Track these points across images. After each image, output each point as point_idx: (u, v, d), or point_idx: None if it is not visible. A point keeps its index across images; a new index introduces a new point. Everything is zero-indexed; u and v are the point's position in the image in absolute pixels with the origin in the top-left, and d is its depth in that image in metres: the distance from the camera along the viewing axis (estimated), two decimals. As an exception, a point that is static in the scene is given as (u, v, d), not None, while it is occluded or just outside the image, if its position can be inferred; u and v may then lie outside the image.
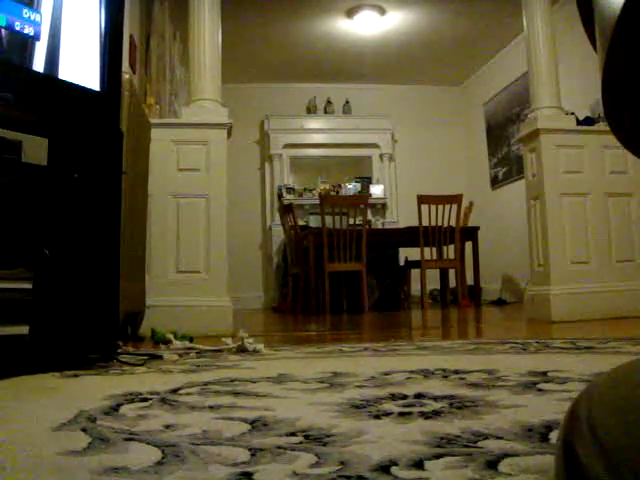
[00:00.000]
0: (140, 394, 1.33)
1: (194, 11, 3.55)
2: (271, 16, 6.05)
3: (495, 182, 7.53)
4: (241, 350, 2.21)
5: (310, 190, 7.77)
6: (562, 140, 3.83)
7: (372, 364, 1.82)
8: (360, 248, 5.53)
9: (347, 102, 8.10)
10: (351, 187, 7.74)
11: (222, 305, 3.30)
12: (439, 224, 5.64)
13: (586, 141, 3.87)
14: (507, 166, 7.19)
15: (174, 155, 3.40)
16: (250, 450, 0.83)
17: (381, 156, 8.07)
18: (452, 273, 6.05)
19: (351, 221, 5.89)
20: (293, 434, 0.93)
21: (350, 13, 6.11)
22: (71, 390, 1.47)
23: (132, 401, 1.25)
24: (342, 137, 7.94)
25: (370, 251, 5.69)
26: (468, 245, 6.04)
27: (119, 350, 2.12)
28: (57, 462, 0.80)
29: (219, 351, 2.24)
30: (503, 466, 0.72)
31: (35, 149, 1.73)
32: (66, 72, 1.87)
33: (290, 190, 7.74)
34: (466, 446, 0.83)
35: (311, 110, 8.06)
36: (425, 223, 5.61)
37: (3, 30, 1.68)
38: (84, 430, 0.98)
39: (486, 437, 0.87)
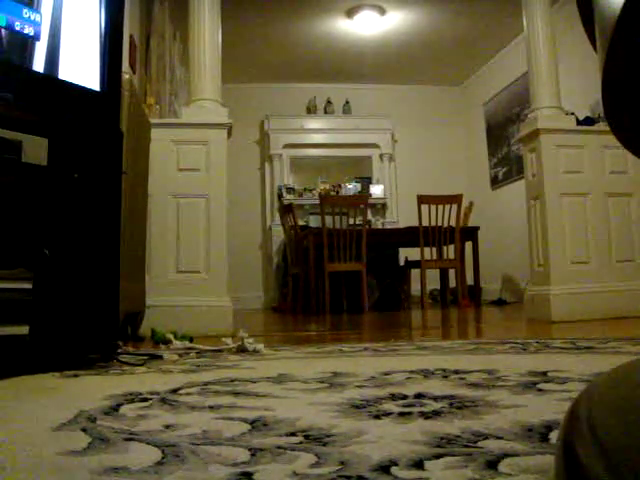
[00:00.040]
0: (140, 394, 1.33)
1: (194, 11, 3.55)
2: (271, 16, 6.05)
3: (495, 182, 7.53)
4: (241, 350, 2.21)
5: (310, 190, 7.77)
6: (562, 140, 3.83)
7: (372, 364, 1.82)
8: (360, 248, 5.53)
9: (347, 102, 8.10)
10: (351, 187, 7.74)
11: (222, 305, 3.30)
12: (439, 224, 5.64)
13: (586, 141, 3.87)
14: (507, 166, 7.19)
15: (174, 155, 3.40)
16: (250, 450, 0.83)
17: (381, 156, 8.07)
18: (452, 273, 6.05)
19: (351, 221, 5.89)
20: (293, 434, 0.93)
21: (350, 13, 6.11)
22: (71, 390, 1.47)
23: (132, 401, 1.25)
24: (342, 137, 7.94)
25: (370, 251, 5.69)
26: (468, 245, 6.04)
27: (119, 350, 2.12)
28: (57, 462, 0.80)
29: (219, 351, 2.24)
30: (503, 466, 0.72)
31: (35, 149, 1.73)
32: (66, 72, 1.87)
33: (290, 190, 7.74)
34: (466, 446, 0.83)
35: (311, 110, 8.06)
36: (425, 223, 5.61)
37: (3, 30, 1.68)
38: (84, 430, 0.98)
39: (486, 437, 0.87)
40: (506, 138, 7.19)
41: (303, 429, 0.96)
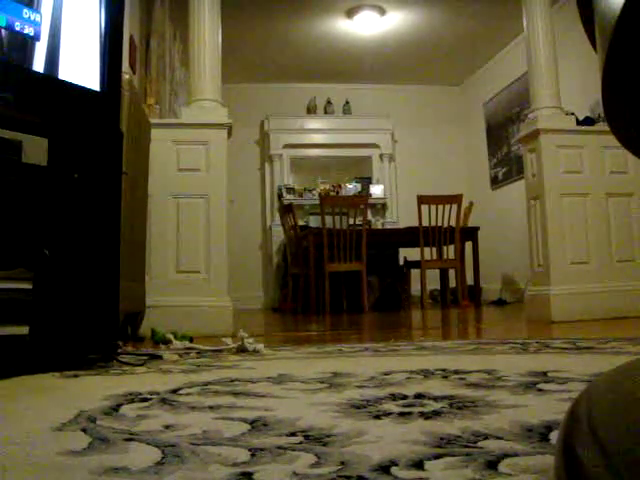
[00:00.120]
0: (140, 394, 1.33)
1: (194, 11, 3.55)
2: (271, 16, 6.05)
3: (495, 182, 7.53)
4: (241, 350, 2.21)
5: (310, 190, 7.77)
6: (562, 140, 3.83)
7: (372, 364, 1.82)
8: (360, 248, 5.53)
9: (347, 102, 8.09)
10: (351, 187, 7.75)
11: (222, 305, 3.30)
12: (439, 224, 5.64)
13: (586, 141, 3.87)
14: (507, 166, 7.19)
15: (174, 155, 3.40)
16: (250, 450, 0.83)
17: (381, 156, 8.07)
18: (452, 273, 6.05)
19: (351, 221, 5.89)
20: (293, 434, 0.93)
21: (350, 13, 6.11)
22: (71, 390, 1.47)
23: (132, 401, 1.25)
24: (342, 137, 7.94)
25: (370, 251, 5.69)
26: (468, 245, 6.04)
27: (119, 350, 2.12)
28: (57, 462, 0.80)
29: (219, 351, 2.24)
30: (503, 466, 0.72)
31: (35, 149, 1.73)
32: (66, 72, 1.87)
33: (290, 190, 7.74)
34: (466, 446, 0.83)
35: (311, 110, 8.06)
36: (425, 223, 5.61)
37: (3, 30, 1.68)
38: (84, 430, 0.98)
39: (486, 437, 0.87)
40: (506, 138, 7.19)
41: (303, 429, 0.96)
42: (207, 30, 3.53)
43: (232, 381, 1.51)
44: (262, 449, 0.83)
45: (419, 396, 1.22)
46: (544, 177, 3.78)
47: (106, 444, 0.88)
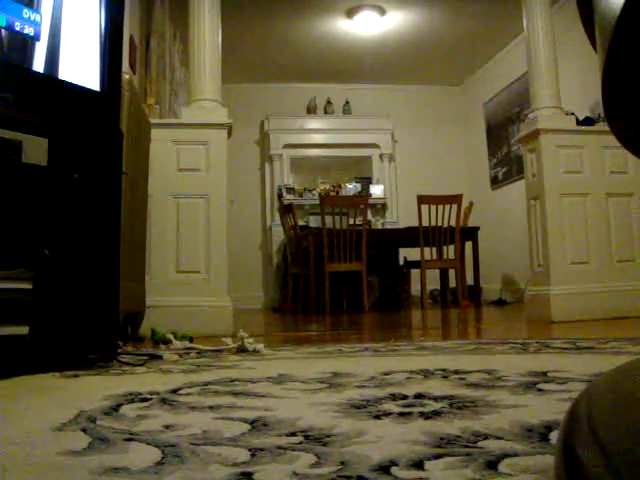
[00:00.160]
0: (140, 394, 1.33)
1: (194, 11, 3.55)
2: (271, 16, 6.05)
3: (495, 182, 7.53)
4: (241, 350, 2.21)
5: (310, 190, 7.77)
6: (562, 140, 3.83)
7: (372, 364, 1.82)
8: (360, 248, 5.53)
9: (347, 102, 8.09)
10: (351, 187, 7.75)
11: (222, 305, 3.30)
12: (439, 224, 5.64)
13: (586, 141, 3.87)
14: (507, 166, 7.19)
15: (174, 155, 3.40)
16: (250, 450, 0.83)
17: (381, 156, 8.07)
18: (452, 273, 6.05)
19: (351, 221, 5.89)
20: (293, 434, 0.93)
21: (350, 13, 6.11)
22: (71, 390, 1.47)
23: (132, 401, 1.25)
24: (342, 137, 7.94)
25: (370, 251, 5.69)
26: (468, 245, 6.04)
27: (119, 350, 2.12)
28: (57, 462, 0.80)
29: (219, 351, 2.24)
30: (503, 466, 0.72)
31: (35, 149, 1.73)
32: (66, 72, 1.87)
33: (290, 190, 7.74)
34: (466, 446, 0.83)
35: (311, 110, 8.06)
36: (425, 223, 5.61)
37: (3, 30, 1.68)
38: (84, 430, 0.98)
39: (486, 437, 0.87)
40: (506, 138, 7.19)
41: (303, 429, 0.96)
42: (207, 30, 3.53)
43: (232, 381, 1.51)
44: (262, 449, 0.83)
45: (419, 396, 1.22)
46: (544, 177, 3.78)
47: (106, 444, 0.88)
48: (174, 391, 1.38)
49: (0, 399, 1.33)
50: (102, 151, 1.95)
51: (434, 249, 5.86)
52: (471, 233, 6.02)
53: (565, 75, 4.39)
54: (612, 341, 2.24)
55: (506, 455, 0.77)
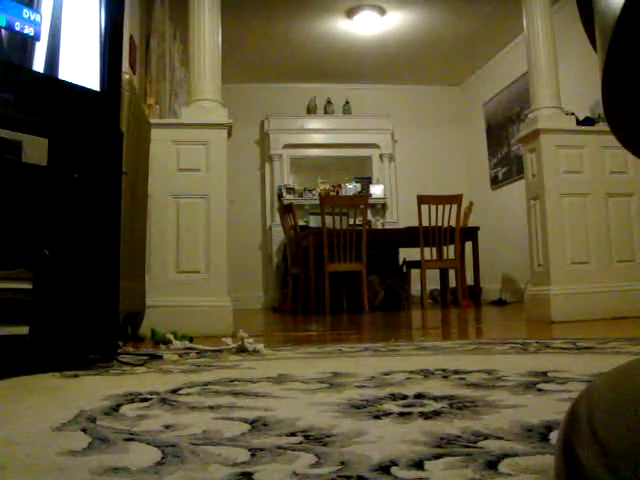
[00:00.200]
0: (140, 394, 1.33)
1: (194, 11, 3.55)
2: (271, 16, 6.05)
3: (495, 182, 7.53)
4: (241, 350, 2.21)
5: (310, 190, 7.77)
6: (562, 140, 3.83)
7: (372, 364, 1.82)
8: (360, 248, 5.53)
9: (347, 102, 8.09)
10: (351, 187, 7.74)
11: (222, 305, 3.30)
12: (439, 224, 5.64)
13: (586, 141, 3.87)
14: (507, 166, 7.19)
15: (174, 155, 3.40)
16: (250, 450, 0.83)
17: (381, 156, 8.06)
18: (452, 273, 6.05)
19: (351, 221, 5.89)
20: (293, 434, 0.93)
21: (350, 13, 6.11)
22: (71, 390, 1.47)
23: (132, 401, 1.25)
24: (342, 137, 7.94)
25: (370, 251, 5.69)
26: (468, 245, 6.04)
27: (119, 350, 2.12)
28: (57, 462, 0.80)
29: (219, 351, 2.24)
30: (503, 466, 0.72)
31: (35, 149, 1.73)
32: (66, 72, 1.87)
33: (290, 190, 7.74)
34: (466, 446, 0.83)
35: (311, 110, 8.05)
36: (425, 223, 5.61)
37: (3, 30, 1.68)
38: (84, 430, 0.98)
39: (486, 437, 0.87)
40: (506, 138, 7.19)
41: (303, 429, 0.96)
42: (207, 30, 3.54)
43: (232, 381, 1.51)
44: (262, 449, 0.83)
45: (419, 396, 1.22)
46: (544, 177, 3.78)
47: (106, 444, 0.88)
48: (174, 391, 1.38)
49: (0, 399, 1.33)
50: (102, 151, 1.95)
51: (434, 249, 5.86)
52: (471, 233, 6.02)
53: (565, 75, 4.39)
54: (612, 341, 2.24)
55: (506, 455, 0.77)
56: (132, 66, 4.17)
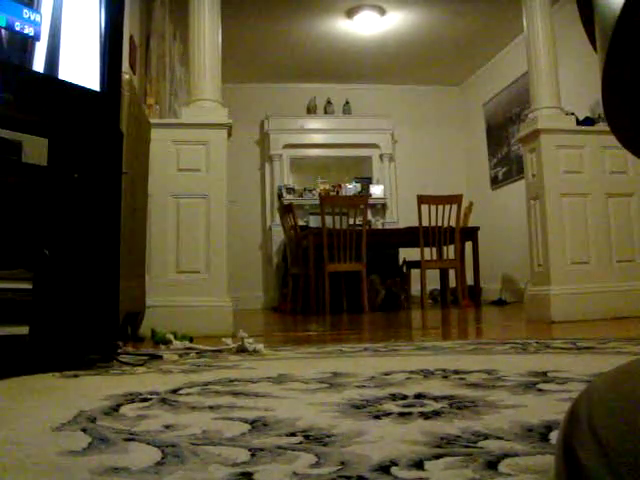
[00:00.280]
0: (140, 394, 1.33)
1: (194, 11, 3.55)
2: (271, 16, 6.05)
3: (495, 182, 7.53)
4: (241, 350, 2.21)
5: (310, 190, 7.77)
6: (562, 140, 3.83)
7: (372, 364, 1.82)
8: (360, 248, 5.53)
9: (347, 102, 8.09)
10: (351, 187, 7.74)
11: (222, 305, 3.30)
12: (439, 224, 5.64)
13: (586, 141, 3.87)
14: (507, 166, 7.19)
15: (174, 155, 3.40)
16: (250, 450, 0.83)
17: (381, 156, 8.06)
18: (452, 273, 6.05)
19: (351, 221, 5.89)
20: (293, 434, 0.93)
21: (350, 13, 6.11)
22: (71, 390, 1.47)
23: (132, 401, 1.25)
24: (342, 137, 7.94)
25: (370, 251, 5.69)
26: (468, 245, 6.04)
27: (119, 350, 2.12)
28: (57, 462, 0.80)
29: (219, 351, 2.24)
30: (503, 466, 0.72)
31: (35, 149, 1.73)
32: (66, 72, 1.87)
33: (290, 190, 7.74)
34: (466, 446, 0.83)
35: (311, 110, 8.05)
36: (425, 223, 5.61)
37: (3, 30, 1.68)
38: (84, 430, 0.98)
39: (486, 437, 0.87)
40: (506, 138, 7.19)
41: (303, 429, 0.96)
42: (207, 30, 3.54)
43: (232, 381, 1.51)
44: (262, 449, 0.83)
45: (419, 396, 1.22)
46: (544, 177, 3.78)
47: (106, 444, 0.88)
48: (174, 391, 1.38)
49: (0, 399, 1.33)
50: (102, 151, 1.95)
51: (434, 249, 5.86)
52: (471, 233, 6.02)
53: (565, 75, 4.39)
54: (612, 341, 2.24)
55: (506, 455, 0.77)
56: (132, 66, 4.17)
